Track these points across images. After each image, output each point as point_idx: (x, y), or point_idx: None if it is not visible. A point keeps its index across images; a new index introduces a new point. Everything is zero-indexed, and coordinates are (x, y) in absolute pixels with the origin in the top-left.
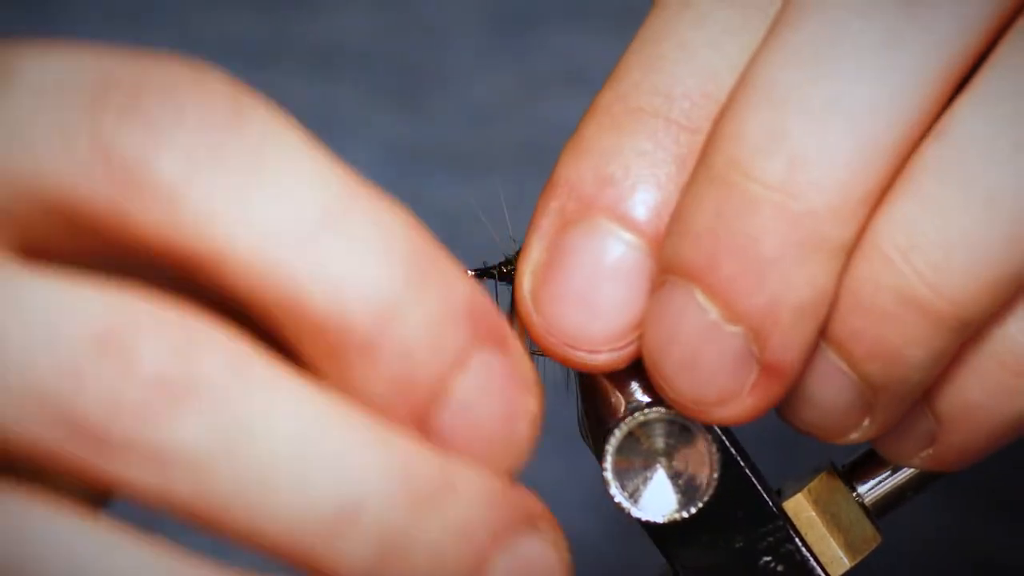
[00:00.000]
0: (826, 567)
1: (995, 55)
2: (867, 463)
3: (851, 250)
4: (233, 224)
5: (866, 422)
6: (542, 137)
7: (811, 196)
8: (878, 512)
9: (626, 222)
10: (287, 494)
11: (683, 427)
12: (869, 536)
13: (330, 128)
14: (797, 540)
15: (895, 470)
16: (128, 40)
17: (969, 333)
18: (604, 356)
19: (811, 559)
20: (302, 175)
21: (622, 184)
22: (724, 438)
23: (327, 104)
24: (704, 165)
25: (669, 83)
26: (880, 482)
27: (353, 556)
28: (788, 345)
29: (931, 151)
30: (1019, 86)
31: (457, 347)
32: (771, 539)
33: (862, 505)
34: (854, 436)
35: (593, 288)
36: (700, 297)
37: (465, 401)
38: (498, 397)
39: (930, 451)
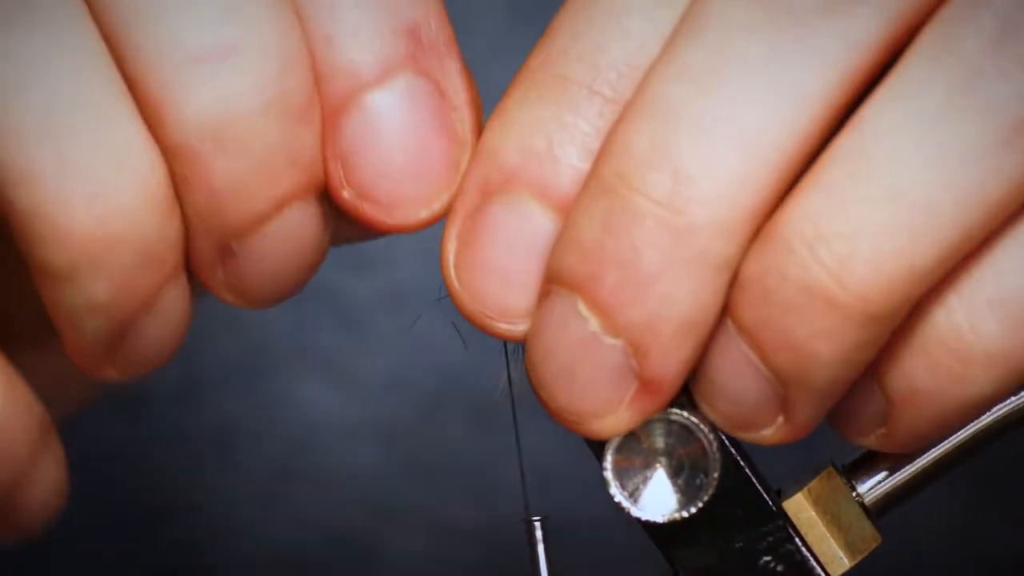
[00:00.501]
0: (826, 567)
1: (906, 55)
2: (867, 463)
3: (736, 265)
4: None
5: (780, 419)
6: None
7: (694, 211)
8: (878, 512)
9: (546, 196)
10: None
11: (683, 427)
12: (869, 536)
13: None
14: (797, 540)
15: (895, 470)
16: None
17: (883, 328)
18: (523, 327)
19: (811, 559)
20: None
21: (543, 157)
22: (724, 438)
23: None
24: (595, 175)
25: (595, 52)
26: (880, 482)
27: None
28: (668, 361)
29: (840, 145)
30: (925, 85)
31: (386, 59)
32: (771, 539)
33: (862, 505)
34: (767, 433)
35: (512, 260)
36: (582, 307)
37: (375, 118)
38: (411, 128)
39: (883, 431)
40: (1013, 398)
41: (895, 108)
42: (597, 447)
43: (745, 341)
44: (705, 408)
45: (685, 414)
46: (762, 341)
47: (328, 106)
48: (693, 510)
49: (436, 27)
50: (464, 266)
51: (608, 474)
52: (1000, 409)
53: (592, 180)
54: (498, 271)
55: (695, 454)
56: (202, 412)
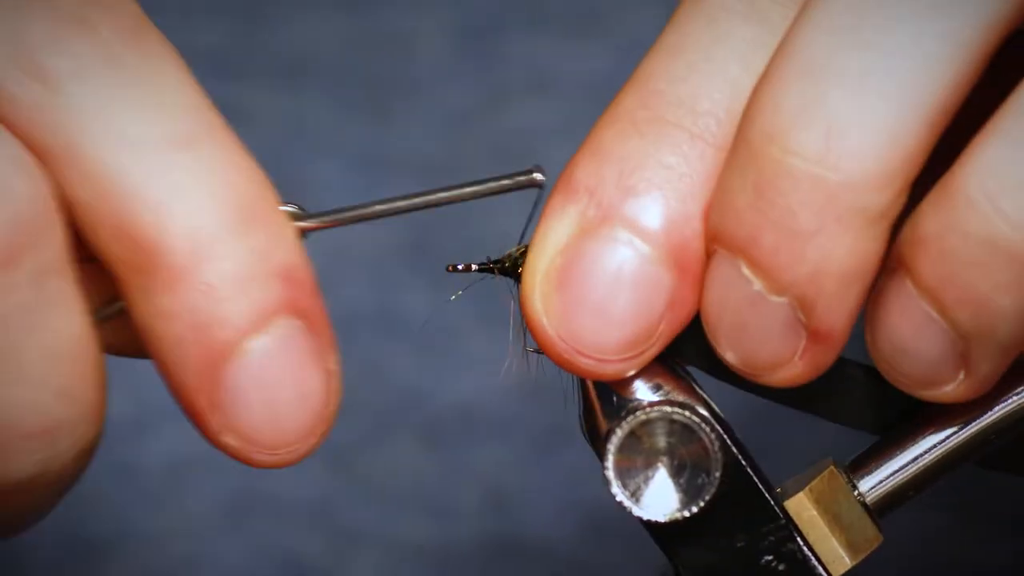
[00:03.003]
0: (827, 566)
1: None
2: (868, 462)
3: (893, 215)
4: (89, 124)
5: (960, 375)
6: (511, 144)
7: (848, 166)
8: (880, 511)
9: (647, 235)
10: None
11: (684, 426)
12: (871, 535)
13: (299, 138)
14: (798, 539)
15: (897, 469)
16: None
17: None
18: (612, 366)
19: (812, 558)
20: (170, 98)
21: (645, 196)
22: (726, 437)
23: (296, 115)
24: (742, 138)
25: (695, 96)
26: (882, 481)
27: None
28: (834, 312)
29: (1020, 96)
30: None
31: (262, 306)
32: (772, 538)
33: (864, 504)
34: (948, 389)
35: (609, 298)
36: (745, 269)
37: (257, 364)
38: (291, 370)
39: (962, 374)
40: (1015, 397)
41: None
42: (599, 447)
43: (926, 299)
44: (887, 371)
45: (687, 414)
46: (943, 298)
47: (208, 355)
48: (695, 509)
49: (305, 266)
50: (556, 301)
51: (610, 473)
52: (1002, 408)
53: (740, 143)
54: (595, 307)
55: (697, 453)
56: (153, 442)
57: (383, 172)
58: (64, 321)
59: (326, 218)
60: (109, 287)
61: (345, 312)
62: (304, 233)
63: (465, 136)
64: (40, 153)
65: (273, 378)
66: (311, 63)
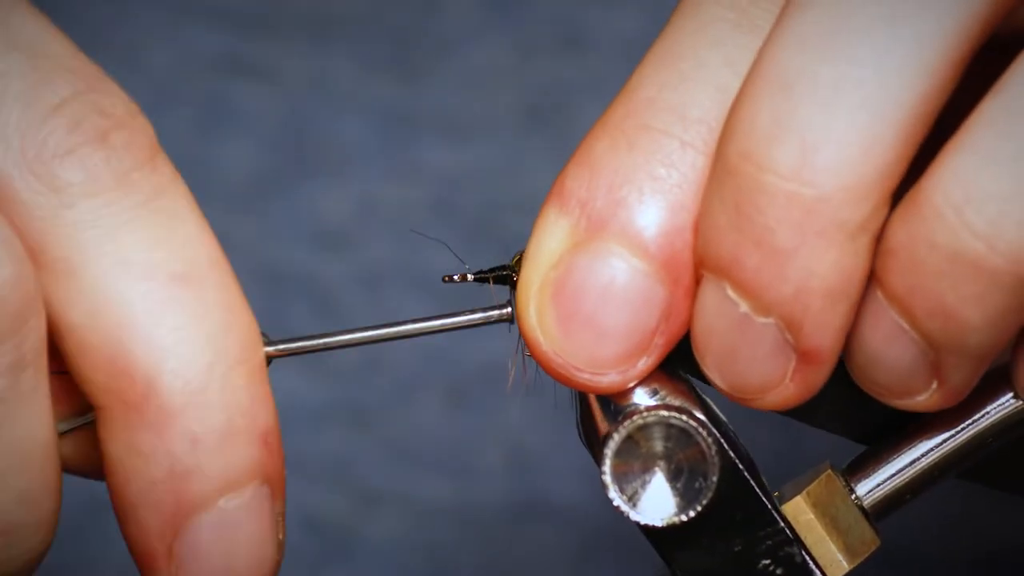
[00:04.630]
0: (825, 570)
1: None
2: (866, 466)
3: (874, 228)
4: (94, 243)
5: (933, 385)
6: (539, 101)
7: (823, 180)
8: (877, 515)
9: (638, 248)
10: None
11: (682, 430)
12: (868, 539)
13: (325, 96)
14: (796, 543)
15: (894, 473)
16: (119, 10)
17: None
18: (609, 379)
19: (810, 562)
20: (178, 229)
21: (635, 208)
22: (723, 441)
23: (322, 73)
24: (720, 158)
25: (685, 104)
26: (879, 485)
27: None
28: (822, 330)
29: (987, 107)
30: None
31: (242, 466)
32: (770, 542)
33: (861, 508)
34: (921, 399)
35: (603, 312)
36: (730, 291)
37: (224, 523)
38: (253, 535)
39: (935, 384)
40: (1013, 401)
41: None
42: (596, 451)
43: (895, 309)
44: (861, 381)
45: (684, 418)
46: (912, 308)
47: (178, 504)
48: (692, 514)
49: (279, 432)
50: (550, 315)
51: (607, 478)
52: (999, 412)
53: (718, 163)
54: (588, 322)
55: (694, 458)
56: None
57: (409, 130)
58: (35, 421)
59: (292, 346)
60: (73, 402)
61: (371, 269)
62: (269, 360)
63: (493, 94)
64: (35, 255)
65: (235, 540)
66: (337, 20)
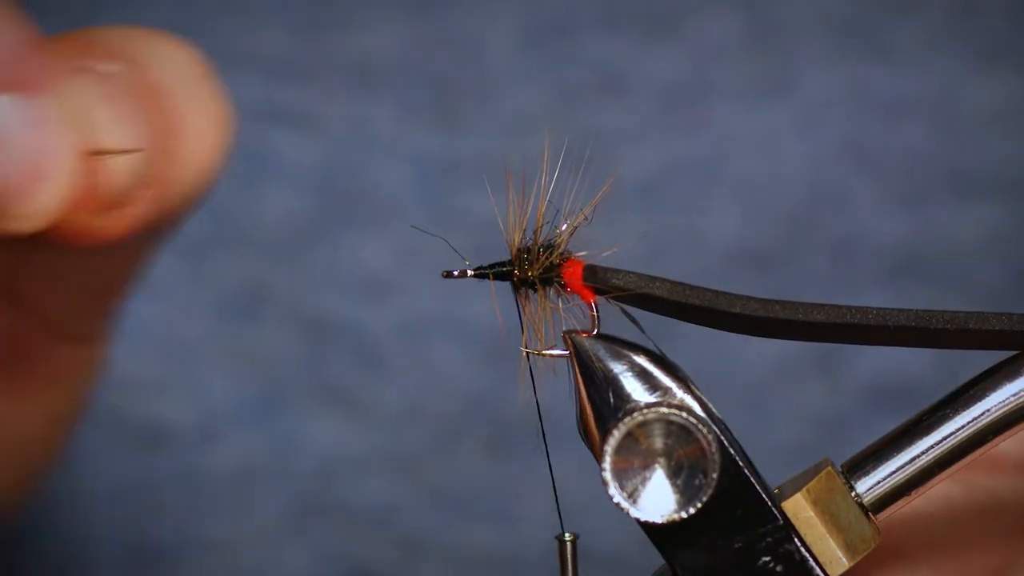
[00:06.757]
0: (825, 567)
1: None
2: (865, 462)
3: None
4: None
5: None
6: (581, 148)
7: None
8: (877, 512)
9: None
10: None
11: (682, 427)
12: (868, 536)
13: (367, 143)
14: (796, 540)
15: (894, 470)
16: None
17: None
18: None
19: (810, 559)
20: None
21: None
22: (723, 438)
23: (363, 121)
24: None
25: None
26: (879, 482)
27: None
28: None
29: None
30: None
31: None
32: (770, 539)
33: (861, 505)
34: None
35: None
36: None
37: None
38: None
39: None
40: (1012, 396)
41: None
42: (596, 448)
43: None
44: None
45: (684, 415)
46: None
47: None
48: (692, 511)
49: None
50: None
51: (607, 475)
52: (999, 408)
53: None
54: None
55: (694, 455)
56: (219, 449)
57: (452, 177)
58: None
59: None
60: None
61: (412, 318)
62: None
63: (534, 140)
64: None
65: None
66: (378, 68)
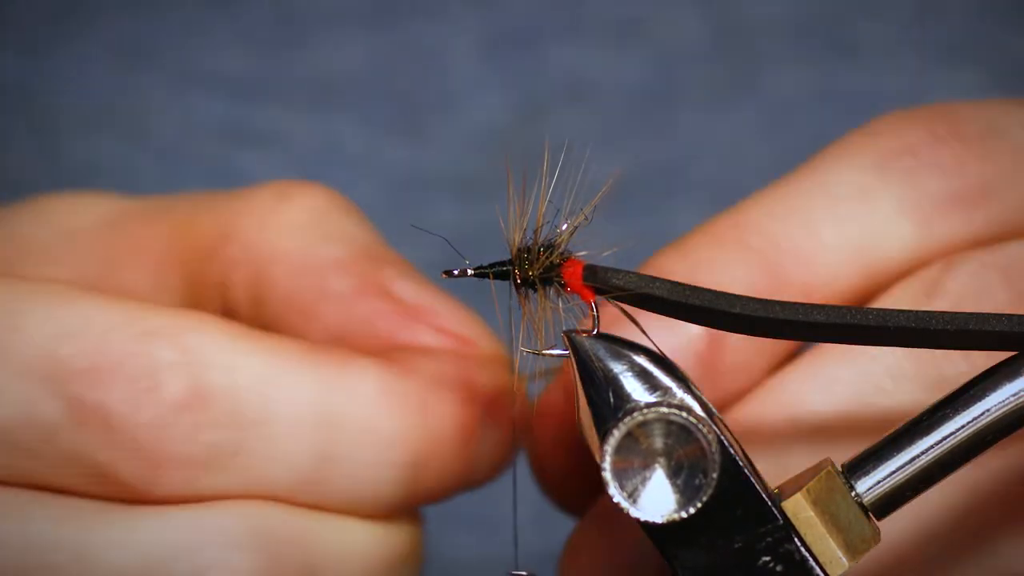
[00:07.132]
0: (825, 567)
1: None
2: (866, 463)
3: None
4: None
5: None
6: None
7: None
8: (877, 512)
9: None
10: None
11: (682, 427)
12: (868, 536)
13: (332, 159)
14: (796, 540)
15: (894, 470)
16: (124, 75)
17: None
18: None
19: (810, 559)
20: None
21: None
22: (723, 438)
23: (327, 135)
24: None
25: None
26: (879, 482)
27: None
28: None
29: None
30: None
31: None
32: (770, 539)
33: (861, 505)
34: None
35: None
36: None
37: None
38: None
39: None
40: (1012, 397)
41: None
42: (596, 448)
43: None
44: None
45: (684, 415)
46: None
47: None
48: (692, 510)
49: None
50: None
51: (607, 475)
52: (999, 409)
53: None
54: None
55: (694, 455)
56: None
57: (418, 189)
58: None
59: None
60: None
61: None
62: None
63: (501, 150)
64: None
65: None
66: (342, 83)
